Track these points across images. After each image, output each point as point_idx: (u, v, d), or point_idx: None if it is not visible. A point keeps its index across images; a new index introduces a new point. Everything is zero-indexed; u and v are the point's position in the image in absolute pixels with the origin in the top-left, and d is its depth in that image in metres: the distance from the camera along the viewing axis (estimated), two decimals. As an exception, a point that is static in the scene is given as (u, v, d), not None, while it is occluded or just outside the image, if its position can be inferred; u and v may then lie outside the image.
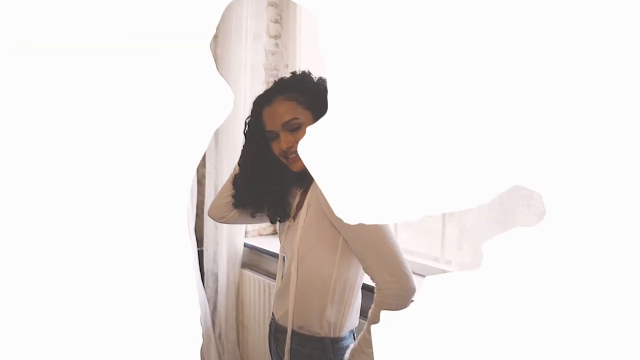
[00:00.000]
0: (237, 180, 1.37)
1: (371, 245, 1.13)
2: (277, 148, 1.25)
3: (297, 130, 1.22)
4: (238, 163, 1.38)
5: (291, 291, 1.26)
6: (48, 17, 0.58)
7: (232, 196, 1.40)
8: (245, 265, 2.52)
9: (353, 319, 1.30)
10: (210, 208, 1.47)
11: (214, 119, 0.74)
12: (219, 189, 2.45)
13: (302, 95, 1.24)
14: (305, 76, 1.28)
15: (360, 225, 1.01)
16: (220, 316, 2.51)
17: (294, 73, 1.30)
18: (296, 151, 1.16)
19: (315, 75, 1.30)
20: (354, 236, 1.15)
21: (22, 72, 0.57)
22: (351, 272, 1.23)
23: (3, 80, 0.56)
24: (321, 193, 1.15)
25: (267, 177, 1.32)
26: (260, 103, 1.28)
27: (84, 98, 0.62)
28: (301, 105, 1.23)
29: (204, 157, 2.60)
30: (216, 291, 2.53)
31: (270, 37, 2.55)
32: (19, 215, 0.57)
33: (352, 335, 1.32)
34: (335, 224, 1.18)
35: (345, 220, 0.60)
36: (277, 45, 2.58)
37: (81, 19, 0.60)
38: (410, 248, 2.23)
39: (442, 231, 2.11)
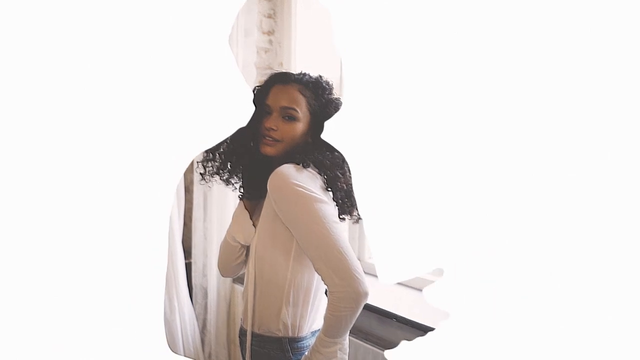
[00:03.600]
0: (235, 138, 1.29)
1: (320, 247, 1.13)
2: (262, 124, 1.25)
3: (288, 120, 1.23)
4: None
5: (249, 291, 1.27)
6: (52, 16, 0.60)
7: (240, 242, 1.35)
8: (236, 279, 2.35)
9: (315, 320, 1.30)
10: (223, 269, 1.45)
11: (234, 119, 0.78)
12: (208, 197, 2.33)
13: (315, 100, 1.25)
14: (327, 87, 1.28)
15: (309, 227, 1.14)
16: (210, 334, 2.34)
17: (320, 76, 1.30)
18: (273, 137, 1.22)
19: (335, 92, 1.30)
20: (303, 238, 1.16)
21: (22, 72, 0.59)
22: (306, 275, 1.24)
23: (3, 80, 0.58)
24: (274, 192, 1.17)
25: (247, 149, 1.29)
26: (276, 79, 1.28)
27: (97, 97, 0.65)
28: (308, 106, 1.25)
29: (191, 164, 2.43)
30: (205, 307, 2.36)
31: (263, 33, 2.38)
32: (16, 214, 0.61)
33: (314, 336, 1.31)
34: (287, 226, 1.18)
35: None
36: (270, 42, 2.41)
37: (90, 18, 0.63)
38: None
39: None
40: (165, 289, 2.26)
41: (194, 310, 2.35)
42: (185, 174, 2.46)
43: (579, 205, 0.65)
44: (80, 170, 0.66)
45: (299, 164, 1.19)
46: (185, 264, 2.35)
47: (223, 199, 2.28)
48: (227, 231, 1.39)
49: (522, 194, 0.69)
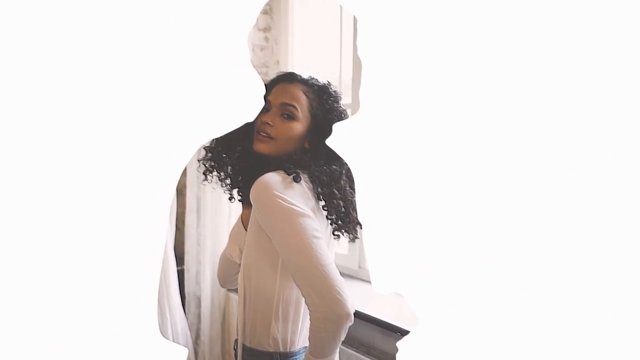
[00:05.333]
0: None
1: (299, 264, 1.07)
2: (259, 120, 1.20)
3: (287, 119, 1.18)
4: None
5: (239, 303, 1.23)
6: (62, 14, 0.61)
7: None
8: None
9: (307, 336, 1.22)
10: (222, 281, 1.45)
11: (244, 113, 0.77)
12: (201, 201, 2.24)
13: (319, 104, 1.21)
14: (334, 94, 1.24)
15: (288, 241, 1.08)
16: (204, 345, 2.25)
17: (329, 83, 1.26)
18: (268, 134, 1.17)
19: (342, 104, 1.26)
20: (283, 253, 1.10)
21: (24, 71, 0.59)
22: (295, 290, 1.16)
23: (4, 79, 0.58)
24: (255, 201, 1.10)
25: (242, 145, 1.25)
26: (281, 78, 1.25)
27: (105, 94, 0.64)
28: (310, 108, 1.20)
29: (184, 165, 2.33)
30: (199, 317, 2.27)
31: (259, 30, 2.29)
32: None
33: None
34: (271, 239, 1.12)
35: None
36: (266, 39, 2.32)
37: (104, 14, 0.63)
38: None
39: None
40: (157, 297, 2.16)
41: (187, 320, 2.25)
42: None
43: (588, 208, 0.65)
44: (80, 167, 0.65)
45: (289, 175, 1.13)
46: (178, 271, 2.25)
47: (217, 204, 2.19)
48: (226, 245, 1.37)
49: (533, 205, 0.69)
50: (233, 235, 1.33)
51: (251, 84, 0.78)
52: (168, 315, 2.15)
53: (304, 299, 1.17)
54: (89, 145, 0.65)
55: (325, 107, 1.21)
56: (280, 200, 1.07)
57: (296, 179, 1.12)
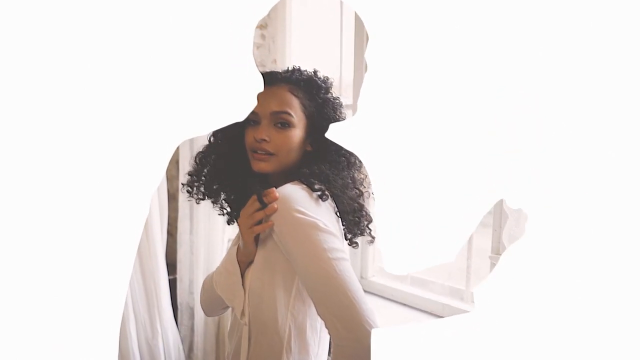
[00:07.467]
0: (202, 159, 1.16)
1: (322, 289, 0.92)
2: (250, 136, 1.07)
3: (282, 128, 1.05)
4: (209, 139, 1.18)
5: (244, 337, 1.06)
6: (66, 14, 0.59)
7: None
8: (226, 297, 2.14)
9: None
10: (208, 311, 1.29)
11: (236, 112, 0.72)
12: (195, 207, 2.13)
13: (310, 100, 1.09)
14: (323, 85, 1.12)
15: (310, 263, 0.95)
16: (197, 359, 2.12)
17: (315, 72, 1.13)
18: (266, 150, 1.04)
19: (334, 91, 1.14)
20: (303, 276, 0.96)
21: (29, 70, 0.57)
22: (309, 316, 1.05)
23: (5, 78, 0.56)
24: (273, 215, 0.99)
25: (236, 167, 1.14)
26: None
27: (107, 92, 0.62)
28: (302, 108, 1.08)
29: (177, 169, 2.22)
30: (192, 329, 2.16)
31: (255, 27, 2.18)
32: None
33: None
34: (287, 258, 0.99)
35: None
36: (263, 37, 2.22)
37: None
38: (424, 276, 1.87)
39: (467, 248, 1.74)
40: (147, 308, 2.05)
41: (179, 332, 2.14)
42: (171, 181, 2.25)
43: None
44: (64, 163, 0.61)
45: (314, 191, 1.01)
46: (170, 280, 2.14)
47: (211, 210, 2.06)
48: (214, 278, 1.17)
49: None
50: (228, 278, 1.11)
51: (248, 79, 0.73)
52: (159, 327, 2.04)
53: (318, 324, 1.06)
54: (75, 142, 0.62)
55: (318, 101, 1.10)
56: (301, 216, 0.95)
57: (323, 198, 1.01)
